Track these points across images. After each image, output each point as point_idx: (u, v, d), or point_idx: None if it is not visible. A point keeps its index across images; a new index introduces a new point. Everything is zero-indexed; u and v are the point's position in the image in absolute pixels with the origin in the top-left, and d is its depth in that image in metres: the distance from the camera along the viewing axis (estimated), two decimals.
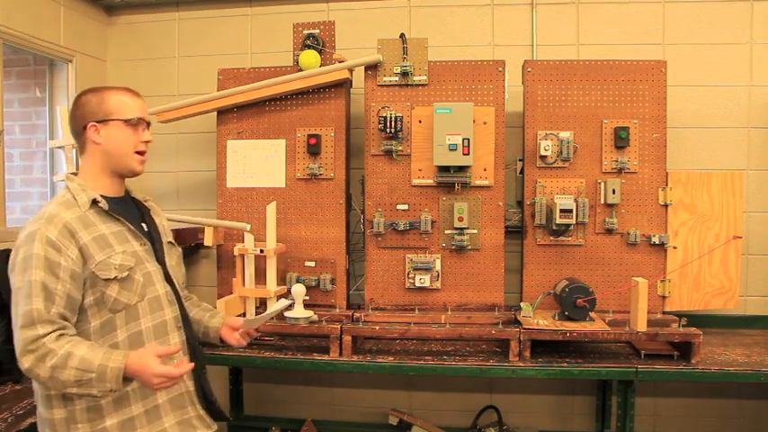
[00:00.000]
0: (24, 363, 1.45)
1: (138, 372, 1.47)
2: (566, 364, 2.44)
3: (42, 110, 3.28)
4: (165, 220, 1.93)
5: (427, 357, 2.55)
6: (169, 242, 1.84)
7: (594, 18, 3.11)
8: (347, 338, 2.55)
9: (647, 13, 3.08)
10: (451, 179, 2.76)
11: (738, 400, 3.12)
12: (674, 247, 2.76)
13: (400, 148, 2.81)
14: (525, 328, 2.48)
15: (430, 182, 2.81)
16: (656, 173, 2.76)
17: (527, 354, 2.48)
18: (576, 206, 2.66)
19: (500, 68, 2.81)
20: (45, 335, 1.45)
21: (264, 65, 2.99)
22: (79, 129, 1.65)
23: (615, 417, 2.86)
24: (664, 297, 2.78)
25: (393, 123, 2.74)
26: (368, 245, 2.86)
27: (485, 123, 2.77)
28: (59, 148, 3.02)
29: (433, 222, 2.78)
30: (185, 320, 1.78)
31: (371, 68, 2.85)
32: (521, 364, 2.45)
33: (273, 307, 1.98)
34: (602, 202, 2.75)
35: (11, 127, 3.27)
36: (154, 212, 1.86)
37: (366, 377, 3.30)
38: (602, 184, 2.75)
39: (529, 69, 2.81)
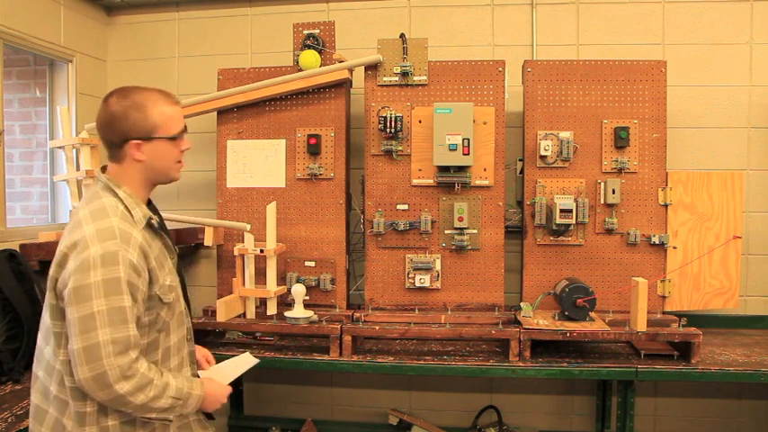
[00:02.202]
0: (119, 389, 1.41)
1: (213, 395, 1.64)
2: (566, 364, 2.44)
3: (42, 110, 3.28)
4: None
5: (427, 357, 2.55)
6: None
7: (594, 18, 3.11)
8: (347, 338, 2.55)
9: (646, 13, 3.08)
10: (451, 179, 2.76)
11: (738, 400, 3.12)
12: (674, 247, 2.76)
13: (400, 148, 2.81)
14: (525, 328, 2.48)
15: (430, 182, 2.81)
16: (656, 173, 2.76)
17: (527, 354, 2.48)
18: (576, 206, 2.66)
19: (500, 68, 2.81)
20: (136, 359, 1.45)
21: (264, 65, 2.99)
22: (117, 141, 1.55)
23: (615, 417, 2.86)
24: (664, 297, 2.78)
25: (393, 123, 2.74)
26: (368, 245, 2.86)
27: (485, 123, 2.77)
28: (59, 148, 3.02)
29: (433, 222, 2.78)
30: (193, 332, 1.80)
31: (371, 68, 2.85)
32: (521, 364, 2.45)
33: (240, 364, 1.96)
34: (602, 202, 2.75)
35: (11, 127, 3.27)
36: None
37: (366, 377, 3.30)
38: (602, 184, 2.75)
39: (529, 69, 2.81)
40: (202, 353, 1.98)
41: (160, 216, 1.72)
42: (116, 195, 1.54)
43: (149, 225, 1.58)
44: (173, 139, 1.59)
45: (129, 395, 1.43)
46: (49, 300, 1.51)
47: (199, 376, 1.78)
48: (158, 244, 1.60)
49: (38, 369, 1.57)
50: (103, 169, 1.62)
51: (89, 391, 1.43)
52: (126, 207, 1.54)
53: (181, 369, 1.67)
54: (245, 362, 1.96)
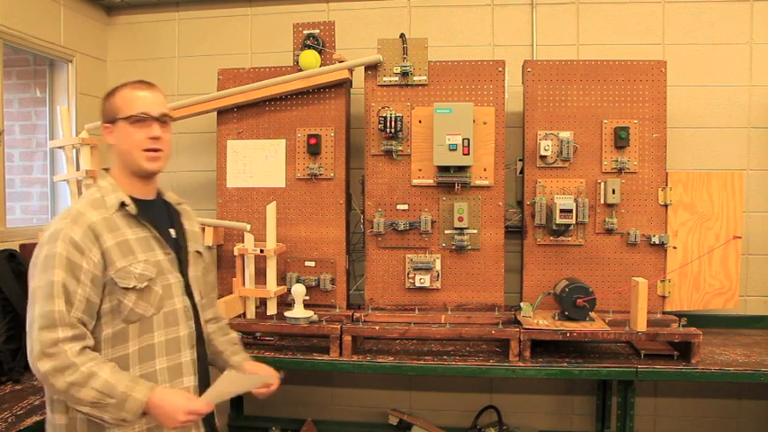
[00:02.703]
0: (40, 366, 1.39)
1: (162, 407, 1.44)
2: (566, 364, 2.44)
3: (42, 110, 3.28)
4: (198, 226, 1.85)
5: (427, 357, 2.55)
6: (197, 251, 1.75)
7: (594, 18, 3.11)
8: (347, 338, 2.55)
9: (646, 13, 3.08)
10: (451, 179, 2.76)
11: (738, 400, 3.12)
12: (674, 247, 2.76)
13: (400, 148, 2.81)
14: (525, 328, 2.48)
15: (430, 182, 2.81)
16: (656, 173, 2.76)
17: (527, 354, 2.48)
18: (576, 206, 2.66)
19: (500, 68, 2.81)
20: (65, 339, 1.40)
21: (264, 65, 2.99)
22: (102, 132, 1.63)
23: (615, 417, 2.86)
24: (664, 297, 2.78)
25: (393, 123, 2.74)
26: (368, 245, 2.86)
27: (485, 123, 2.77)
28: (59, 148, 3.02)
29: (433, 222, 2.78)
30: (199, 338, 1.68)
31: (371, 68, 2.85)
32: (521, 364, 2.45)
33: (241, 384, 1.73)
34: (602, 202, 2.75)
35: (11, 127, 3.27)
36: (185, 217, 1.77)
37: (366, 377, 3.30)
38: (602, 184, 2.75)
39: (529, 69, 2.81)
40: (263, 370, 1.82)
41: (176, 212, 1.73)
42: (97, 186, 1.59)
43: (126, 212, 1.56)
44: (131, 120, 1.58)
45: (50, 375, 1.39)
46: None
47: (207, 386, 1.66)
48: (139, 233, 1.57)
49: None
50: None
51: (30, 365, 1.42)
52: (102, 194, 1.56)
53: (177, 377, 1.58)
54: (248, 382, 1.74)
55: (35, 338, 1.40)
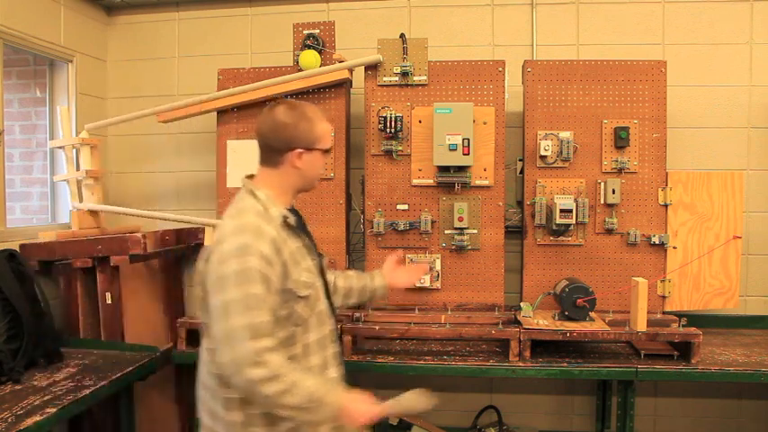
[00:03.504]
0: (250, 375, 1.46)
1: (350, 410, 1.58)
2: (566, 364, 2.44)
3: (42, 110, 3.28)
4: None
5: (427, 357, 2.55)
6: (319, 253, 1.84)
7: (594, 18, 3.11)
8: (347, 338, 2.54)
9: (646, 13, 3.08)
10: (451, 179, 2.76)
11: (738, 400, 3.12)
12: (674, 247, 2.76)
13: (400, 148, 2.81)
14: (525, 328, 2.48)
15: (430, 182, 2.81)
16: (656, 173, 2.76)
17: (527, 354, 2.48)
18: (576, 206, 2.66)
19: (500, 68, 2.81)
20: (270, 348, 1.50)
21: (264, 65, 2.99)
22: (281, 147, 1.66)
23: (615, 417, 2.86)
24: (664, 297, 2.78)
25: (393, 123, 2.74)
26: (368, 245, 2.86)
27: (485, 123, 2.77)
28: (59, 148, 3.02)
29: (432, 222, 2.78)
30: (337, 335, 1.84)
31: (371, 68, 2.85)
32: (521, 364, 2.45)
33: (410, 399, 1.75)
34: (602, 202, 2.75)
35: (11, 127, 3.27)
36: (306, 222, 1.86)
37: (366, 377, 3.29)
38: (602, 184, 2.75)
39: (529, 69, 2.81)
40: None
41: (303, 222, 1.81)
42: (255, 197, 1.65)
43: (287, 225, 1.65)
44: (326, 152, 1.74)
45: (259, 384, 1.47)
46: (198, 293, 1.64)
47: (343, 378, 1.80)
48: (297, 243, 1.67)
49: (201, 367, 1.69)
50: (249, 176, 1.74)
51: (229, 376, 1.50)
52: (264, 207, 1.63)
53: (325, 369, 1.72)
54: (418, 402, 1.72)
55: (243, 348, 1.47)
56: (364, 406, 1.60)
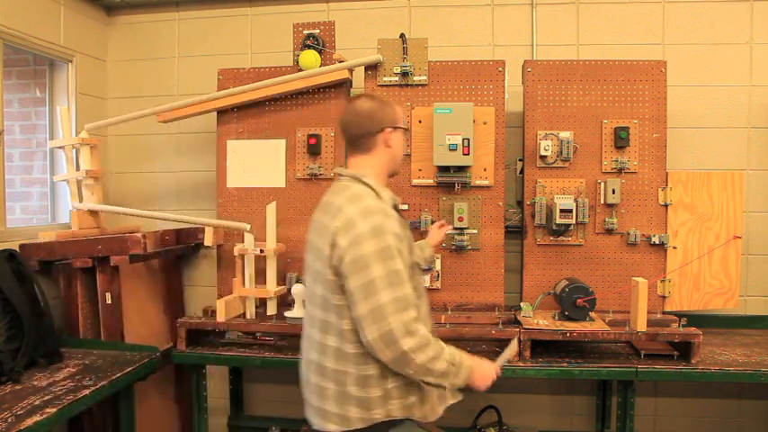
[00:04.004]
0: (404, 344, 1.56)
1: (478, 372, 1.72)
2: (566, 364, 2.44)
3: (42, 110, 3.28)
4: None
5: None
6: None
7: (594, 18, 3.11)
8: None
9: (646, 13, 3.08)
10: (451, 179, 2.76)
11: (738, 400, 3.12)
12: (674, 247, 2.76)
13: None
14: (525, 328, 2.48)
15: (430, 182, 2.81)
16: (656, 173, 2.76)
17: (527, 354, 2.48)
18: (576, 206, 2.66)
19: (500, 68, 2.81)
20: (417, 318, 1.60)
21: (264, 65, 2.99)
22: (373, 130, 1.79)
23: (615, 417, 2.86)
24: (664, 297, 2.78)
25: None
26: None
27: (485, 123, 2.77)
28: (59, 148, 3.02)
29: (433, 222, 2.78)
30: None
31: (371, 68, 2.85)
32: (521, 364, 2.45)
33: (509, 348, 1.99)
34: (602, 202, 2.75)
35: (11, 127, 3.27)
36: None
37: None
38: (602, 184, 2.75)
39: (529, 69, 2.81)
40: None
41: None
42: (363, 183, 1.74)
43: (395, 207, 1.76)
44: (406, 130, 1.93)
45: (412, 352, 1.57)
46: (324, 278, 1.66)
47: None
48: (402, 222, 1.77)
49: (310, 353, 1.76)
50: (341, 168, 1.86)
51: (377, 351, 1.58)
52: (374, 191, 1.73)
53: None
54: (513, 350, 1.99)
55: (395, 321, 1.56)
56: (489, 367, 1.76)
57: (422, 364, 1.59)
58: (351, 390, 1.66)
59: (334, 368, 1.68)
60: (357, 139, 1.81)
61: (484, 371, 1.75)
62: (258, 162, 2.95)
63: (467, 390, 1.79)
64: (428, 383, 1.67)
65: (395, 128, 1.82)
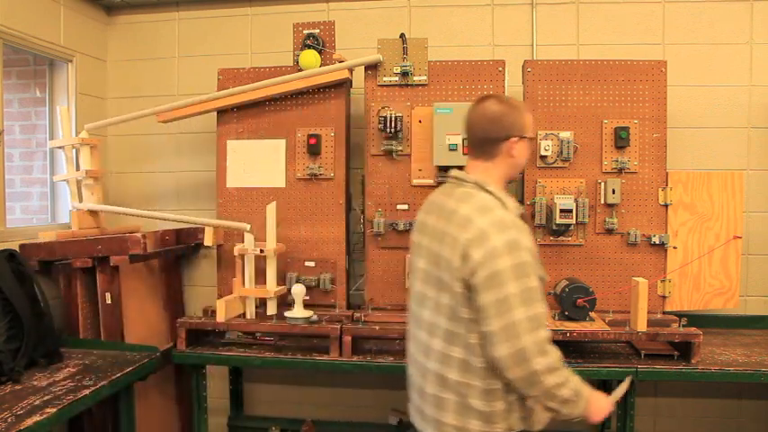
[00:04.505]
0: (536, 365, 1.52)
1: (594, 405, 1.66)
2: (566, 364, 2.44)
3: (42, 110, 3.28)
4: None
5: None
6: None
7: (594, 18, 3.11)
8: (347, 338, 2.55)
9: (646, 13, 3.08)
10: None
11: (738, 400, 3.11)
12: (674, 247, 2.76)
13: (400, 148, 2.81)
14: None
15: (430, 182, 2.81)
16: (656, 173, 2.76)
17: None
18: (576, 206, 2.66)
19: (500, 68, 2.81)
20: (549, 339, 1.55)
21: (264, 65, 2.99)
22: (499, 137, 1.70)
23: (615, 417, 2.85)
24: (664, 297, 2.78)
25: (393, 123, 2.74)
26: (368, 245, 2.86)
27: None
28: (59, 148, 3.02)
29: None
30: None
31: (371, 68, 2.85)
32: None
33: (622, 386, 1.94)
34: (602, 202, 2.75)
35: (11, 127, 3.27)
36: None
37: (366, 377, 3.30)
38: (602, 184, 2.75)
39: (529, 69, 2.81)
40: None
41: None
42: (487, 192, 1.67)
43: (519, 216, 1.70)
44: (531, 140, 1.80)
45: (542, 373, 1.52)
46: (452, 290, 1.60)
47: None
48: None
49: (427, 363, 1.69)
50: (457, 172, 1.77)
51: (505, 368, 1.54)
52: (500, 201, 1.66)
53: None
54: (624, 385, 1.95)
55: (528, 339, 1.52)
56: (605, 402, 1.70)
57: (549, 388, 1.55)
58: (474, 402, 1.63)
59: (458, 380, 1.63)
60: (480, 143, 1.73)
61: (600, 405, 1.69)
62: (258, 162, 2.95)
63: (579, 420, 1.77)
64: (548, 408, 1.63)
65: (521, 137, 1.71)
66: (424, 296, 1.71)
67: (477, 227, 1.57)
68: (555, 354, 1.56)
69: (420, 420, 1.74)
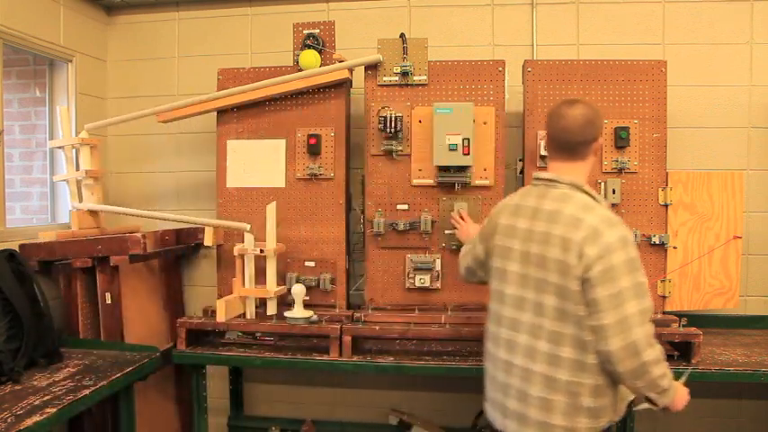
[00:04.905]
0: (646, 356, 1.60)
1: (680, 394, 1.81)
2: None
3: (42, 110, 3.28)
4: None
5: (427, 357, 2.55)
6: None
7: (594, 18, 3.11)
8: (347, 338, 2.55)
9: (646, 13, 3.08)
10: (451, 179, 2.76)
11: (738, 400, 3.11)
12: (674, 247, 2.76)
13: (400, 148, 2.81)
14: None
15: (430, 182, 2.81)
16: (657, 173, 2.76)
17: None
18: None
19: (500, 68, 2.81)
20: (654, 333, 1.64)
21: (264, 65, 2.99)
22: (591, 139, 1.81)
23: None
24: (664, 297, 2.78)
25: (393, 123, 2.74)
26: (368, 245, 2.86)
27: (485, 123, 2.77)
28: (59, 148, 3.02)
29: (433, 222, 2.78)
30: None
31: (371, 68, 2.85)
32: None
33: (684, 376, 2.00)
34: None
35: (11, 127, 3.27)
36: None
37: (366, 377, 3.30)
38: (603, 184, 2.75)
39: (529, 69, 2.81)
40: None
41: None
42: (584, 192, 1.76)
43: None
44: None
45: (650, 365, 1.61)
46: (567, 290, 1.65)
47: None
48: None
49: (533, 366, 1.71)
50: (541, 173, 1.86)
51: (616, 361, 1.60)
52: (596, 200, 1.76)
53: None
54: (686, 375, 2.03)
55: (639, 332, 1.59)
56: (684, 391, 1.82)
57: (654, 378, 1.64)
58: (584, 401, 1.67)
59: (569, 380, 1.67)
60: (575, 145, 1.79)
61: (682, 394, 1.81)
62: (258, 162, 2.95)
63: (662, 409, 1.84)
64: (648, 399, 1.73)
65: (599, 139, 1.85)
66: (522, 299, 1.75)
67: (589, 225, 1.64)
68: (659, 346, 1.64)
69: (517, 424, 1.75)
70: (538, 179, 1.84)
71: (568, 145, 1.80)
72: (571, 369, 1.66)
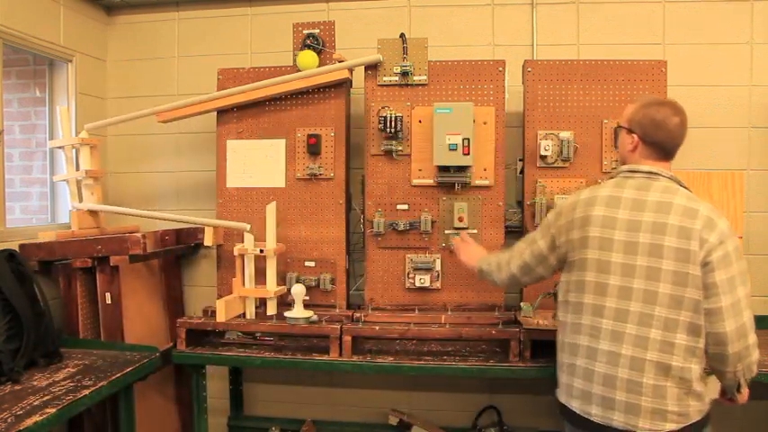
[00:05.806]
0: (750, 339, 1.71)
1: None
2: None
3: (42, 110, 3.28)
4: None
5: (427, 357, 2.55)
6: None
7: (594, 18, 3.11)
8: (347, 338, 2.54)
9: (647, 13, 3.08)
10: (451, 179, 2.76)
11: None
12: None
13: (400, 148, 2.81)
14: (525, 329, 2.48)
15: (430, 182, 2.81)
16: None
17: (527, 354, 2.48)
18: None
19: (500, 68, 2.81)
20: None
21: (264, 65, 2.99)
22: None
23: None
24: None
25: (393, 123, 2.74)
26: (368, 245, 2.86)
27: (485, 123, 2.77)
28: (59, 148, 3.02)
29: (433, 222, 2.78)
30: None
31: (371, 68, 2.85)
32: (521, 364, 2.45)
33: None
34: None
35: (11, 127, 3.27)
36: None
37: (366, 377, 3.30)
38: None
39: (529, 69, 2.81)
40: None
41: None
42: (683, 186, 1.88)
43: None
44: None
45: (753, 348, 1.72)
46: (688, 276, 1.71)
47: None
48: None
49: (645, 354, 1.74)
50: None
51: (727, 342, 1.69)
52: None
53: None
54: None
55: (747, 315, 1.72)
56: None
57: (752, 362, 1.73)
58: (695, 385, 1.75)
59: (682, 366, 1.73)
60: (674, 149, 1.94)
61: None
62: (258, 162, 2.95)
63: (728, 399, 1.94)
64: (737, 382, 1.80)
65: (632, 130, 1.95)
66: (629, 289, 1.76)
67: (704, 215, 1.74)
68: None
69: (625, 415, 1.75)
70: (634, 171, 1.90)
71: (672, 150, 1.94)
72: (686, 354, 1.72)
